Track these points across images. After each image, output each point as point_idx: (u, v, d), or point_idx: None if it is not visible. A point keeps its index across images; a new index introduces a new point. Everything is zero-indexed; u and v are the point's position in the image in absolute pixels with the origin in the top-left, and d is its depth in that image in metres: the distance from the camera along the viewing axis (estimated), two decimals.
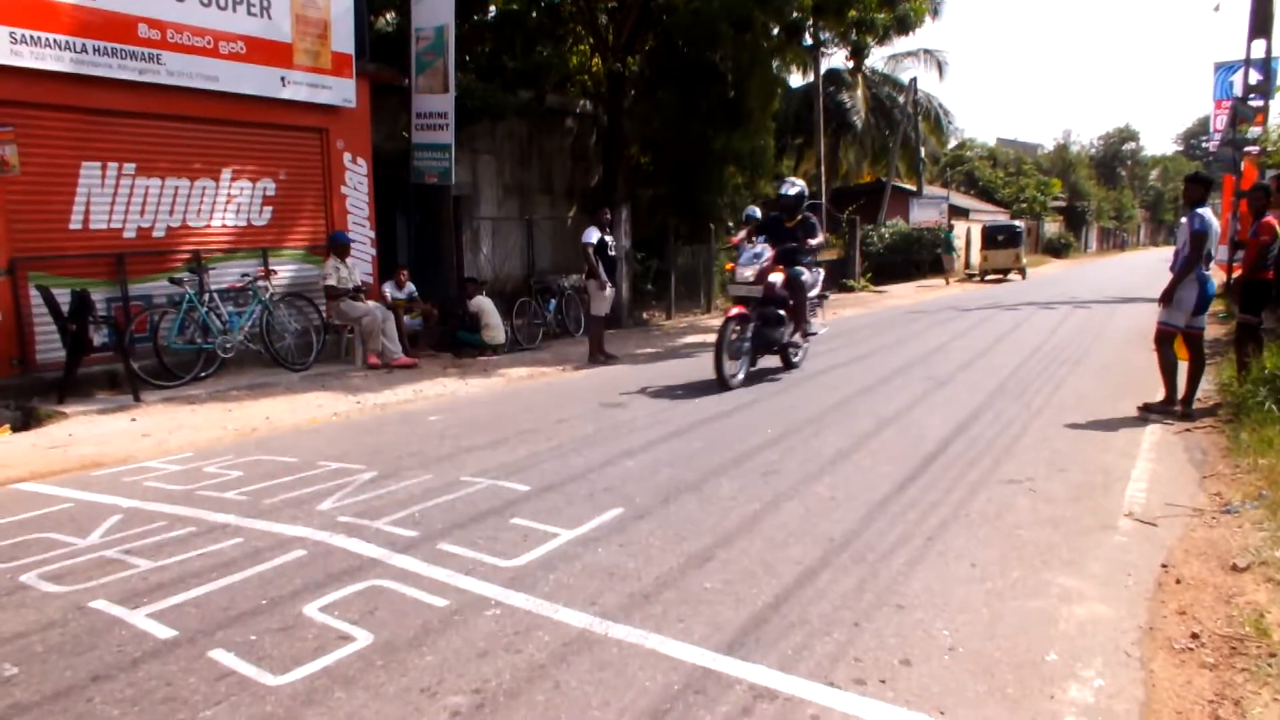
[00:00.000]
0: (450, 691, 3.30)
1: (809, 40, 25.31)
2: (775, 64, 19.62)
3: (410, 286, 13.23)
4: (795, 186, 11.13)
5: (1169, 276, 8.21)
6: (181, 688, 3.34)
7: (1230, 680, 3.37)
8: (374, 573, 4.48)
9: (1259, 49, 21.33)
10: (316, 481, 6.30)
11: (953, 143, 54.70)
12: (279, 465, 6.84)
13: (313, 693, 3.30)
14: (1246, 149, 21.70)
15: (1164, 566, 4.53)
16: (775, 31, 18.48)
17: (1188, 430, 7.58)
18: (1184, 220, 8.17)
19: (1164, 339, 8.25)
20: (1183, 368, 8.33)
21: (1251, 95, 22.17)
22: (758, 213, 17.50)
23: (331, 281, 11.74)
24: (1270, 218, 8.72)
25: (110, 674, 3.46)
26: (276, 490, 6.08)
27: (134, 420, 8.55)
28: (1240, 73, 23.85)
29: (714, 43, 17.11)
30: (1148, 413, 8.18)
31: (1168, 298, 8.12)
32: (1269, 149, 18.28)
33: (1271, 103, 21.24)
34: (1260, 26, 21.04)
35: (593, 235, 12.47)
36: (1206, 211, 8.03)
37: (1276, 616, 3.82)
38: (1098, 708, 3.19)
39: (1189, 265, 7.96)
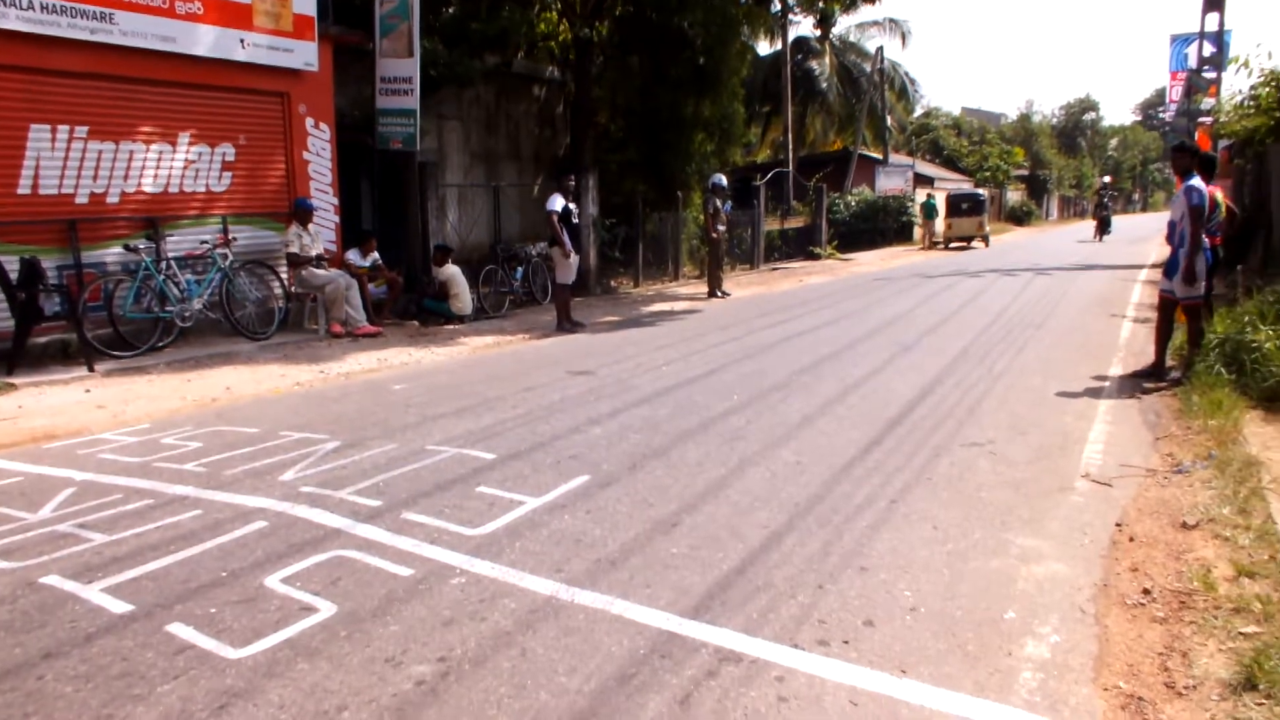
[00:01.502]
0: (415, 660, 3.28)
1: (777, 6, 25.17)
2: (744, 30, 19.45)
3: (375, 254, 13.06)
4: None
5: (1161, 249, 8.22)
6: (138, 663, 3.29)
7: (1179, 633, 3.44)
8: (337, 543, 4.44)
9: (1213, 22, 21.60)
10: (278, 452, 6.22)
11: (918, 111, 54.84)
12: (240, 436, 6.74)
13: (274, 664, 3.26)
14: (1200, 119, 22.00)
15: (1118, 525, 4.61)
16: None
17: (1143, 394, 7.68)
18: (1180, 193, 8.07)
19: (1194, 313, 8.18)
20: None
21: (1205, 67, 22.47)
22: (723, 180, 17.50)
23: (294, 249, 11.57)
24: (1213, 187, 8.73)
25: (63, 651, 3.40)
26: (237, 461, 6.00)
27: (88, 391, 8.39)
28: (1195, 45, 24.14)
29: (682, 8, 16.95)
30: (1141, 379, 8.20)
31: (1190, 276, 7.98)
32: (1222, 119, 18.50)
33: (1224, 75, 21.49)
34: (1213, 0, 21.25)
35: (557, 203, 12.47)
36: (1199, 182, 8.00)
37: (1223, 571, 3.91)
38: (1053, 663, 3.23)
39: (1196, 240, 7.91)
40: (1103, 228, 37.52)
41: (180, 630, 3.53)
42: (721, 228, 17.47)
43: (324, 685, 3.12)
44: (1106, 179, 53.65)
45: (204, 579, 4.03)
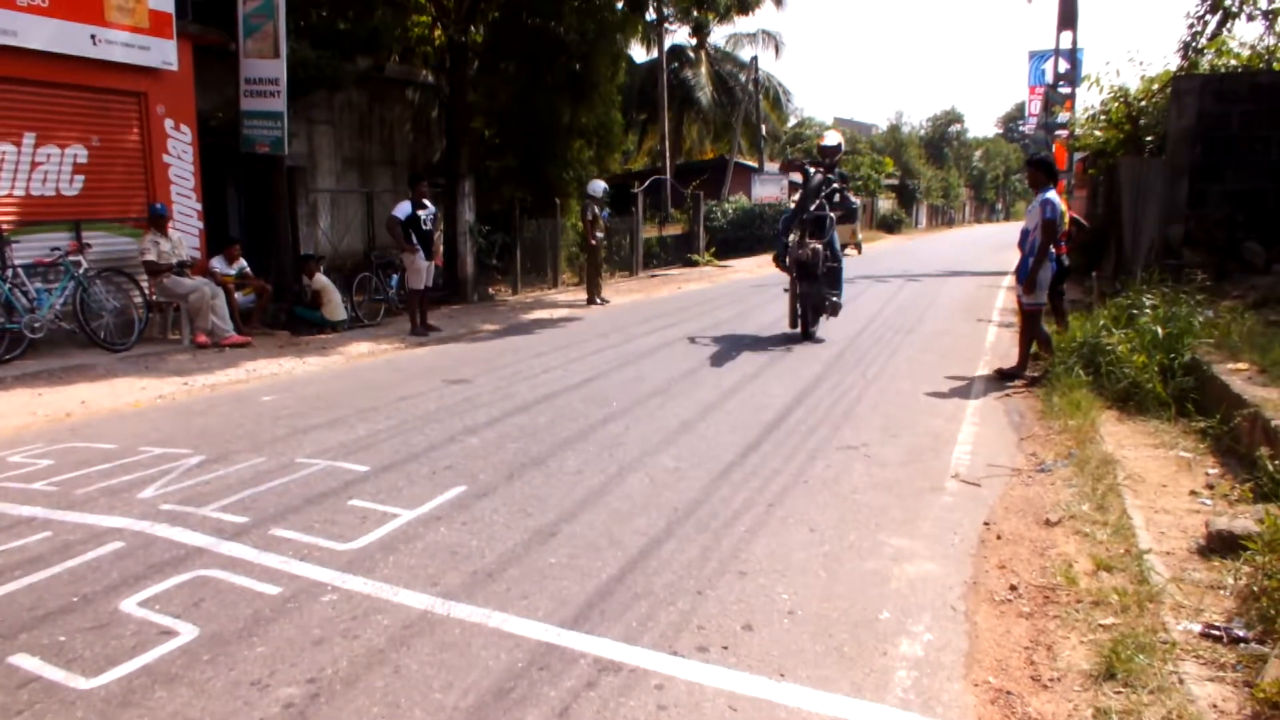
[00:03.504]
0: (283, 683, 3.16)
1: (653, 15, 25.37)
2: (619, 37, 19.54)
3: (242, 262, 12.58)
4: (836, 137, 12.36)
5: (1018, 255, 8.64)
6: None
7: (1044, 627, 3.58)
8: (200, 562, 4.24)
9: (1066, 40, 22.75)
10: (137, 468, 5.92)
11: (793, 121, 56.09)
12: (95, 452, 6.39)
13: (130, 693, 3.09)
14: (1057, 132, 23.14)
15: (986, 524, 4.79)
16: (619, 5, 18.42)
17: (1007, 395, 8.01)
18: (1036, 204, 8.43)
19: (1033, 319, 8.58)
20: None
21: (1061, 83, 23.65)
22: (602, 187, 17.51)
23: (150, 256, 11.04)
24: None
25: None
26: (92, 479, 5.68)
27: None
28: (1051, 62, 25.41)
29: (557, 14, 16.90)
30: (1004, 379, 8.56)
31: (1031, 285, 8.39)
32: (1077, 133, 19.55)
33: (1078, 90, 22.65)
34: (1067, 19, 22.40)
35: (402, 210, 12.52)
36: (1055, 197, 8.41)
37: (1083, 565, 4.09)
38: (926, 660, 3.32)
39: (1044, 252, 8.30)
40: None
41: (25, 661, 3.32)
42: (600, 235, 17.49)
43: (184, 713, 2.97)
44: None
45: (52, 605, 3.79)
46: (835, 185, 11.58)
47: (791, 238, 11.26)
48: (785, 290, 11.75)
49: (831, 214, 11.32)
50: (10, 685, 3.15)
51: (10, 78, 10.11)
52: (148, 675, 3.21)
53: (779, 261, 11.72)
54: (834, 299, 11.35)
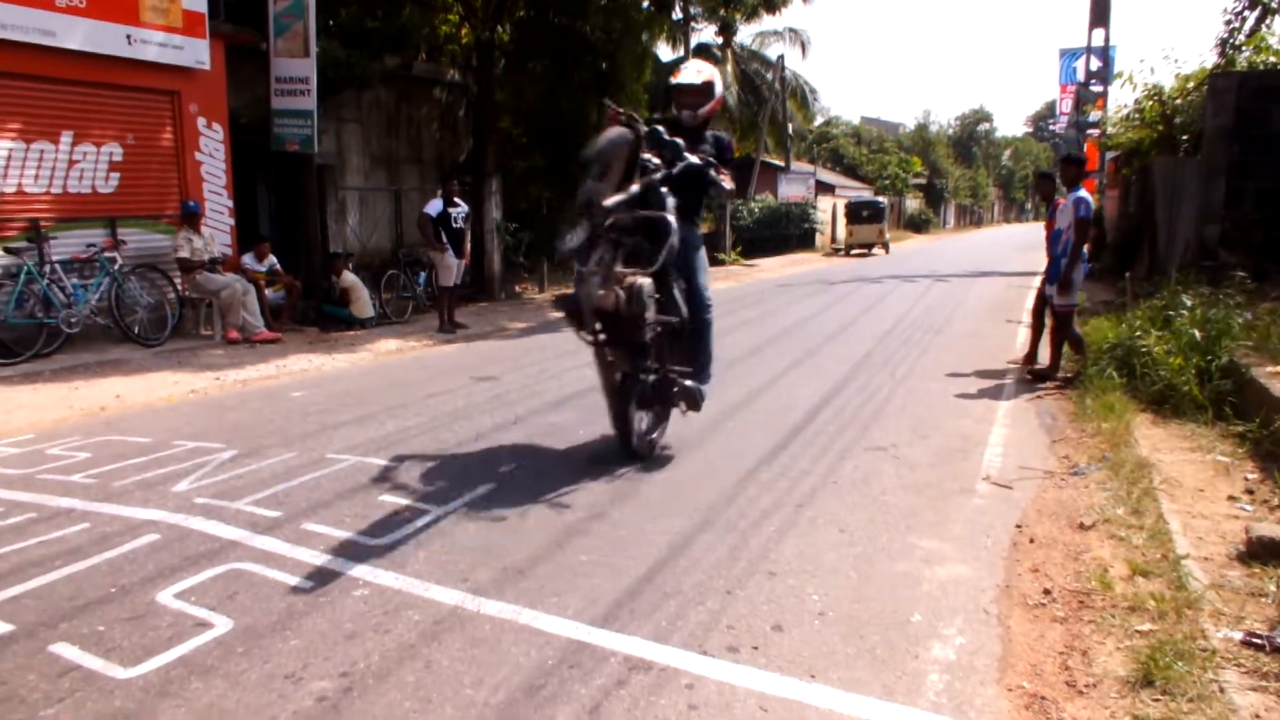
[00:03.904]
0: (316, 676, 3.18)
1: (679, 15, 25.38)
2: (645, 36, 19.56)
3: (272, 259, 12.70)
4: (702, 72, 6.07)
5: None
6: (18, 686, 3.11)
7: (1079, 632, 3.54)
8: (234, 555, 4.28)
9: (1099, 38, 22.50)
10: (172, 462, 5.98)
11: (819, 120, 55.84)
12: (130, 445, 6.47)
13: (167, 684, 3.13)
14: (1089, 131, 22.89)
15: (1018, 527, 4.74)
16: (646, 4, 18.43)
17: (1039, 397, 7.94)
18: (1068, 202, 8.34)
19: (1066, 320, 8.48)
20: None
21: (1092, 81, 23.39)
22: None
23: (184, 253, 11.17)
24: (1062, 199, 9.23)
25: None
26: (128, 472, 5.75)
27: None
28: (1083, 59, 25.15)
29: (584, 13, 16.94)
30: (1036, 381, 8.47)
31: (1066, 285, 8.31)
32: (1109, 131, 19.34)
33: (1110, 89, 22.40)
34: (1099, 16, 22.16)
35: (434, 207, 12.63)
36: (1087, 194, 8.33)
37: (1119, 570, 4.04)
38: (959, 664, 3.30)
39: (1078, 251, 8.22)
40: None
41: (65, 650, 3.36)
42: None
43: (220, 704, 3.00)
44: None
45: (91, 596, 3.84)
46: (692, 162, 5.51)
47: (593, 261, 5.06)
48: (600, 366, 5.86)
49: (673, 220, 5.37)
50: (52, 673, 3.20)
51: (49, 77, 10.28)
52: (184, 666, 3.25)
53: (565, 307, 5.42)
54: (690, 385, 5.92)
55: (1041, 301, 9.14)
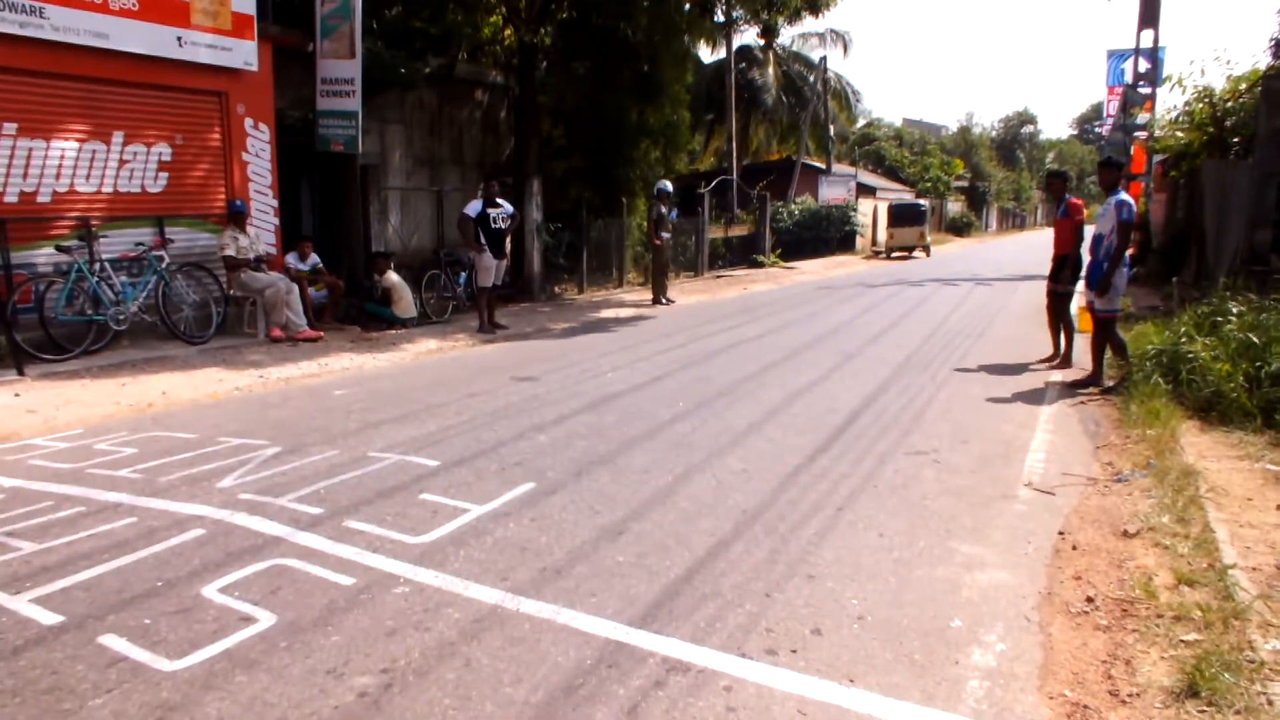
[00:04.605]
0: (357, 672, 3.22)
1: (721, 17, 25.32)
2: (687, 38, 19.57)
3: (315, 258, 12.85)
4: None
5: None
6: (68, 676, 3.18)
7: (1122, 641, 3.49)
8: (277, 551, 4.34)
9: (1147, 39, 22.14)
10: (216, 458, 6.08)
11: (861, 122, 55.56)
12: (176, 441, 6.57)
13: (212, 677, 3.18)
14: (1136, 134, 22.54)
15: (1061, 534, 4.68)
16: (687, 7, 18.43)
17: (1081, 403, 7.83)
18: (1110, 205, 8.22)
19: (1106, 325, 8.35)
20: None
21: (1141, 83, 23.02)
22: (669, 187, 17.55)
23: (229, 252, 11.34)
24: (1076, 199, 9.32)
25: None
26: (173, 467, 5.85)
27: (17, 395, 8.12)
28: (1131, 61, 24.76)
29: (626, 14, 16.97)
30: (1077, 388, 8.36)
31: (1106, 288, 8.19)
32: (1157, 134, 19.02)
33: (1159, 91, 22.01)
34: (1148, 17, 21.81)
35: (473, 208, 12.74)
36: (1129, 198, 8.21)
37: (1164, 579, 3.98)
38: (999, 671, 3.26)
39: (1119, 255, 8.11)
40: None
41: (113, 642, 3.43)
42: (665, 235, 17.52)
43: (263, 698, 3.04)
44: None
45: (138, 589, 3.92)
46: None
47: None
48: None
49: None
50: (100, 664, 3.26)
51: (102, 79, 10.47)
52: (228, 660, 3.30)
53: None
54: None
55: (1052, 298, 9.10)
